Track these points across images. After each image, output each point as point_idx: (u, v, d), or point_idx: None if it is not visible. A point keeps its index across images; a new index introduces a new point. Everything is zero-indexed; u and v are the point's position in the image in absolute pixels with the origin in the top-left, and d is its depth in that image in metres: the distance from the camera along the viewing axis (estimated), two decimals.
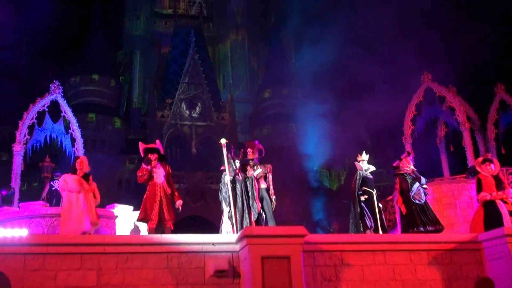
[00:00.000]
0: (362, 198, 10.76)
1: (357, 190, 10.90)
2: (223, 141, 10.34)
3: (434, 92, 21.17)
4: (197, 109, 46.17)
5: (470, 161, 19.54)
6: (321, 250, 8.52)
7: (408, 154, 10.89)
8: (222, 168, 10.49)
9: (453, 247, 8.99)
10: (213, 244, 8.22)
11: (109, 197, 31.50)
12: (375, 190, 10.86)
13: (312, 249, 8.39)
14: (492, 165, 10.04)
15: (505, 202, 9.74)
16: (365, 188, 10.75)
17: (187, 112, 45.79)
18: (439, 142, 22.10)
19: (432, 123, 22.14)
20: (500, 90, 21.42)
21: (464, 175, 17.63)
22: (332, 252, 8.55)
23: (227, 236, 9.18)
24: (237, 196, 10.34)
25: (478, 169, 10.16)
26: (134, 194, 40.86)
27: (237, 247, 8.19)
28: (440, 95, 21.05)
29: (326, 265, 8.46)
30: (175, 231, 9.53)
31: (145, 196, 9.69)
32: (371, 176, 10.94)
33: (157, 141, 10.18)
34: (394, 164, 10.90)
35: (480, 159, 10.36)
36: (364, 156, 11.10)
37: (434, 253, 8.89)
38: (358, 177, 10.95)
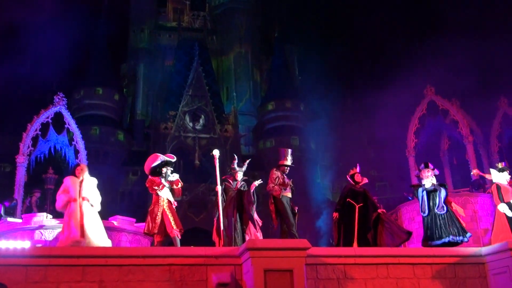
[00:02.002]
0: (336, 215, 10.62)
1: (337, 205, 10.78)
2: (215, 152, 10.32)
3: (437, 105, 21.21)
4: (201, 121, 46.27)
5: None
6: (324, 263, 8.47)
7: (426, 165, 10.66)
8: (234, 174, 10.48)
9: (457, 261, 8.93)
10: (215, 257, 8.19)
11: (111, 209, 31.47)
12: (362, 203, 10.45)
13: (315, 262, 8.35)
14: (508, 174, 10.02)
15: None
16: (349, 200, 10.57)
17: (191, 124, 45.87)
18: (442, 155, 22.08)
19: (435, 136, 22.13)
20: (503, 104, 21.44)
21: (467, 189, 17.56)
22: (335, 265, 8.50)
23: (229, 248, 9.15)
24: (228, 208, 10.26)
25: (495, 178, 10.10)
26: (137, 206, 40.82)
27: (239, 260, 8.16)
28: (443, 108, 21.07)
29: (329, 278, 8.41)
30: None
31: (149, 209, 9.69)
32: (360, 190, 10.66)
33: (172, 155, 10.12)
34: (416, 173, 10.85)
35: (497, 168, 10.33)
36: (356, 169, 10.90)
37: (438, 267, 8.82)
38: (345, 191, 10.79)
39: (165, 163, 9.79)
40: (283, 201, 10.27)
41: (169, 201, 9.62)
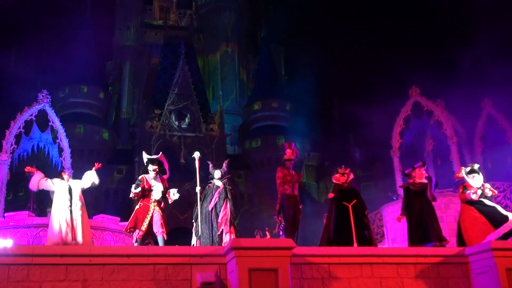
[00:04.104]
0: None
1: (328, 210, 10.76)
2: (196, 155, 10.35)
3: (422, 106, 21.37)
4: (186, 120, 46.13)
5: None
6: (308, 262, 8.49)
7: (423, 164, 10.58)
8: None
9: (440, 261, 9.00)
10: (200, 256, 8.17)
11: (96, 208, 31.25)
12: (354, 201, 10.32)
13: (299, 261, 8.36)
14: (478, 175, 10.04)
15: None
16: (341, 201, 10.49)
17: (176, 123, 45.72)
18: (427, 156, 22.23)
19: (420, 137, 22.30)
20: (487, 105, 21.66)
21: (451, 189, 17.71)
22: (320, 264, 8.52)
23: (214, 248, 9.14)
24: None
25: (466, 178, 10.12)
26: (121, 205, 40.59)
27: (224, 259, 8.15)
28: (428, 109, 21.24)
29: (313, 278, 8.43)
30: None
31: (138, 208, 9.58)
32: (348, 187, 10.60)
33: (161, 154, 10.06)
34: (406, 172, 10.69)
35: (467, 169, 10.30)
36: (343, 170, 10.84)
37: (421, 267, 8.89)
38: (333, 191, 10.75)
39: (148, 161, 9.75)
40: (284, 200, 10.25)
41: (158, 202, 9.57)
